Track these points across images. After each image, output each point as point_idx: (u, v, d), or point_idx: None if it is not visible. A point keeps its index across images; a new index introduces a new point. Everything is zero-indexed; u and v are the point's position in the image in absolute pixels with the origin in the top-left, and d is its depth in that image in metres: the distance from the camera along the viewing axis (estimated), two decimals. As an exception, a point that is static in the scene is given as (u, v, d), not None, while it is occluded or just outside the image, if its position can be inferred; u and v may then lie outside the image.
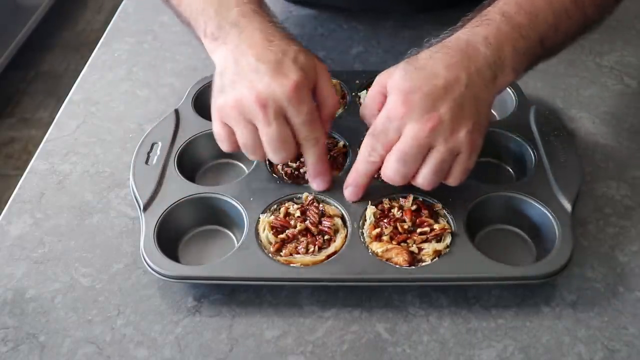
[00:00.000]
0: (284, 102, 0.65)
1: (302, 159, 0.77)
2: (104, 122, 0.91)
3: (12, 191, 0.81)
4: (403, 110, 0.64)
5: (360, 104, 0.85)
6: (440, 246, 0.67)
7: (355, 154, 0.77)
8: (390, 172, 0.66)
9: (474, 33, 0.67)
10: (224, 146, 0.70)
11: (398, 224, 0.69)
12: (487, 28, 0.67)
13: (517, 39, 0.67)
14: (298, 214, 0.71)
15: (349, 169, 0.76)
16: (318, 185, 0.73)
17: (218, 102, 0.68)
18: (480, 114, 0.66)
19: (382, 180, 0.74)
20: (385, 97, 0.67)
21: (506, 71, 0.67)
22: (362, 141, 0.68)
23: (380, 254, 0.67)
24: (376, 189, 0.73)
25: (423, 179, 0.66)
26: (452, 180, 0.67)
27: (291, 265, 0.67)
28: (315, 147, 0.69)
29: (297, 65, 0.66)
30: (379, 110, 0.67)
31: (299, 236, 0.69)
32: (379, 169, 0.67)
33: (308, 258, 0.67)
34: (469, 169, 0.67)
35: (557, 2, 0.71)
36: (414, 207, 0.71)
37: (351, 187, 0.71)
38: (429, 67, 0.65)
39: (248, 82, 0.65)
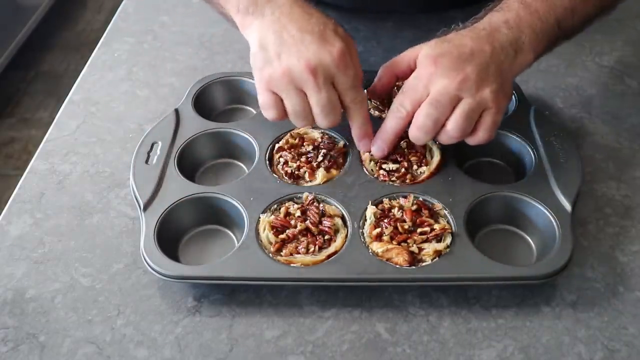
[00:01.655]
0: (332, 68, 0.68)
1: (301, 159, 0.77)
2: (104, 122, 0.91)
3: (12, 191, 0.80)
4: (432, 70, 0.69)
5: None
6: (440, 246, 0.67)
7: (356, 154, 0.77)
8: (422, 117, 0.69)
9: (495, 17, 0.73)
10: (271, 114, 0.72)
11: (398, 224, 0.69)
12: (506, 13, 0.73)
13: (535, 22, 0.72)
14: (298, 213, 0.71)
15: (349, 169, 0.76)
16: (365, 145, 0.75)
17: (265, 72, 0.70)
18: (504, 80, 0.70)
19: (380, 181, 0.75)
20: (410, 68, 0.72)
21: (525, 51, 0.71)
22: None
23: (380, 254, 0.67)
24: (376, 189, 0.73)
25: (453, 124, 0.68)
26: (482, 132, 0.70)
27: (291, 265, 0.67)
28: (362, 109, 0.73)
29: (338, 35, 0.71)
30: (400, 72, 0.74)
31: (299, 236, 0.69)
32: (405, 126, 0.71)
33: (308, 258, 0.67)
34: (497, 123, 0.70)
35: None
36: (414, 207, 0.71)
37: (378, 142, 0.74)
38: (457, 40, 0.71)
39: (295, 52, 0.69)
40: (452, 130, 0.69)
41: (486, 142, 0.71)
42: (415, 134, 0.70)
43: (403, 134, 0.75)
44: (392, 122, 0.72)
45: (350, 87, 0.70)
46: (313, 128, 0.81)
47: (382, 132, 0.73)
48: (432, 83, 0.68)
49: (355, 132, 0.74)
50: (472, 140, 0.71)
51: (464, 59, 0.68)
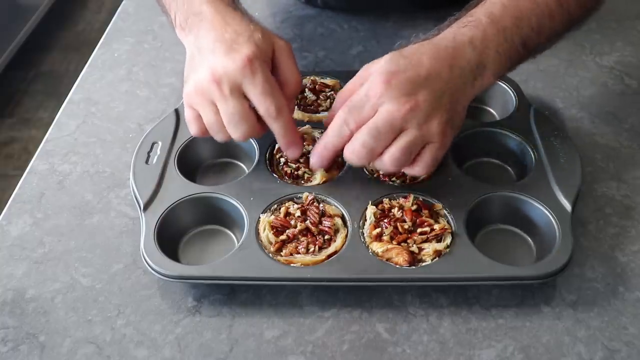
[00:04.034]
0: (238, 76, 0.66)
1: (301, 160, 0.77)
2: (104, 122, 0.91)
3: (12, 191, 0.81)
4: (382, 89, 0.64)
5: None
6: (440, 246, 0.67)
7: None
8: (358, 145, 0.65)
9: (460, 33, 0.69)
10: (193, 129, 0.72)
11: (398, 223, 0.69)
12: (473, 30, 0.69)
13: (500, 43, 0.69)
14: (298, 213, 0.71)
15: (349, 169, 0.76)
16: (292, 153, 0.73)
17: (185, 88, 0.71)
18: (456, 111, 0.68)
19: (380, 181, 0.75)
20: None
21: (486, 74, 0.69)
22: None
23: (380, 254, 0.67)
24: (376, 189, 0.73)
25: (390, 156, 0.65)
26: (419, 167, 0.67)
27: (291, 265, 0.67)
28: (278, 119, 0.69)
29: (250, 42, 0.67)
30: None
31: (300, 236, 0.69)
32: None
33: (308, 258, 0.67)
34: (437, 159, 0.68)
35: (542, 4, 0.72)
36: (414, 207, 0.71)
37: (316, 157, 0.71)
38: (415, 57, 0.66)
39: (206, 64, 0.67)
40: (387, 161, 0.65)
41: (421, 176, 0.70)
42: (349, 157, 0.67)
43: None
44: (333, 140, 0.67)
45: (260, 95, 0.66)
46: (313, 128, 0.81)
47: (321, 147, 0.69)
48: (380, 105, 0.64)
49: (278, 142, 0.72)
50: (408, 172, 0.69)
51: (418, 83, 0.64)
